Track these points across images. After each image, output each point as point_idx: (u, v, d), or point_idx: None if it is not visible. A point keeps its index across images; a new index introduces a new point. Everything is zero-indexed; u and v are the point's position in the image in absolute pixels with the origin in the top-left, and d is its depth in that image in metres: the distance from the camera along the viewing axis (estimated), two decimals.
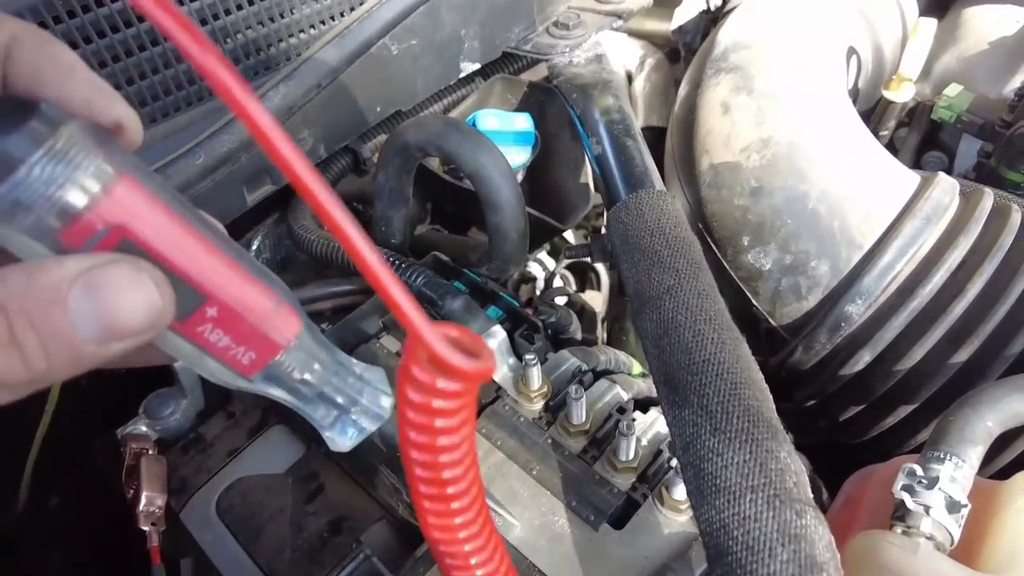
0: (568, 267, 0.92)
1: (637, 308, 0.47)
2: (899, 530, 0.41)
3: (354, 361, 0.30)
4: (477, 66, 0.75)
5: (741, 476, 0.37)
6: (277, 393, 0.27)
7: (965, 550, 0.42)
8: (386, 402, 0.29)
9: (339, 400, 0.28)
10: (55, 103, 0.22)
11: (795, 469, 0.38)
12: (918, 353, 0.61)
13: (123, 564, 0.78)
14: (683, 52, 0.97)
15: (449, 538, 0.32)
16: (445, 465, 0.29)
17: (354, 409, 0.28)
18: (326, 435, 0.29)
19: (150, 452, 0.64)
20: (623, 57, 0.99)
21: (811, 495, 0.38)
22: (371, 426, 0.29)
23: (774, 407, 0.42)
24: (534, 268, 0.89)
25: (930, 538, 0.40)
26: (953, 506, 0.41)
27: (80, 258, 0.21)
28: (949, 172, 0.72)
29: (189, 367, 0.27)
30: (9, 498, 0.80)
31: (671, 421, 0.42)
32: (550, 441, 0.56)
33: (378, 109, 0.69)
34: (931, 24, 0.78)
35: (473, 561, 0.33)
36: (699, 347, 0.42)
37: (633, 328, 0.76)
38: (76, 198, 0.20)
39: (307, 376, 0.27)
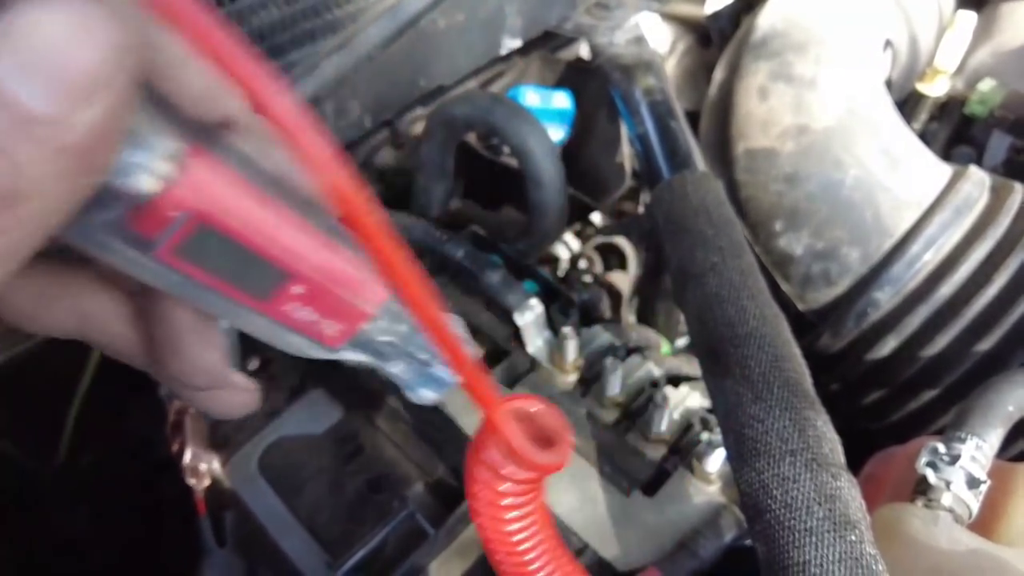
0: (595, 247, 0.93)
1: (681, 284, 0.49)
2: (921, 503, 0.43)
3: None
4: (518, 43, 0.75)
5: (781, 441, 0.39)
6: (361, 358, 0.26)
7: (983, 525, 0.44)
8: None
9: (421, 356, 0.27)
10: (167, 97, 0.19)
11: (830, 437, 0.40)
12: (942, 341, 0.62)
13: (146, 526, 0.81)
14: (715, 37, 0.97)
15: None
16: (514, 534, 0.29)
17: (436, 363, 0.27)
18: (410, 392, 0.28)
19: (192, 410, 0.67)
20: (655, 40, 1.00)
21: (844, 461, 0.40)
22: (453, 378, 0.28)
23: (811, 380, 0.44)
24: (557, 247, 0.90)
25: (950, 511, 0.42)
26: (973, 482, 0.43)
27: None
28: (978, 166, 0.73)
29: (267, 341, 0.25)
30: (50, 452, 0.82)
31: (713, 390, 0.44)
32: (585, 412, 0.58)
33: (422, 83, 0.70)
34: (970, 18, 0.78)
35: None
36: (742, 321, 0.44)
37: (663, 309, 0.78)
38: (147, 184, 0.17)
39: (391, 338, 0.26)
